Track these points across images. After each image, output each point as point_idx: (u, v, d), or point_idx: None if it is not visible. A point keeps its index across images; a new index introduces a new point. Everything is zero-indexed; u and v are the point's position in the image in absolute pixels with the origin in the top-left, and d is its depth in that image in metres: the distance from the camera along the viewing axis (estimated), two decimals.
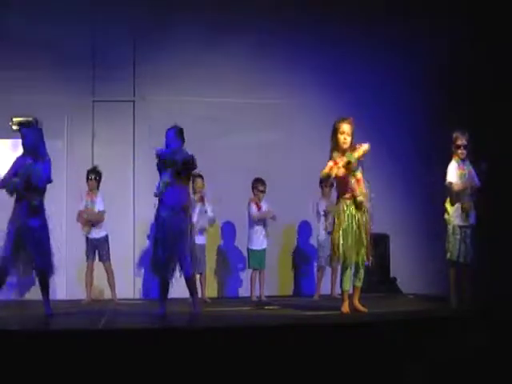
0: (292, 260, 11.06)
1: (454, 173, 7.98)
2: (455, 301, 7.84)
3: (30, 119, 10.29)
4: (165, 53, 10.81)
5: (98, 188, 9.71)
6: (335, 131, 7.52)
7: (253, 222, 9.88)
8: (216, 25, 10.82)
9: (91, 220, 9.58)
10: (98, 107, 10.71)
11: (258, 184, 9.93)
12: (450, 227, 7.96)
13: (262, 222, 9.91)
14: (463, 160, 8.03)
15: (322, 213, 9.79)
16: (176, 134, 7.52)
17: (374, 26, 10.96)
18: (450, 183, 7.94)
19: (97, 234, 9.64)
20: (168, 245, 7.28)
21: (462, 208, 7.91)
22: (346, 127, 7.48)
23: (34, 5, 10.49)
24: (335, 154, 7.49)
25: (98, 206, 9.62)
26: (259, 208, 9.89)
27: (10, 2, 10.44)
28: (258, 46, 10.99)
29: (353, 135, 7.52)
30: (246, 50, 10.97)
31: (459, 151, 8.01)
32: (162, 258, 7.28)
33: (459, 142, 8.01)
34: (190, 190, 8.27)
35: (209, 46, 10.89)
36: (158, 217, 7.44)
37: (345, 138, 7.46)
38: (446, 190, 8.05)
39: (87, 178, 9.69)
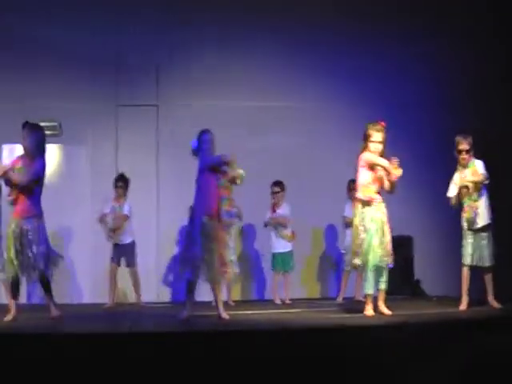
0: (318, 263, 11.06)
1: (453, 187, 7.94)
2: (465, 303, 7.81)
3: (55, 124, 10.42)
4: (187, 57, 10.86)
5: (125, 195, 9.76)
6: (367, 137, 7.48)
7: (270, 226, 9.92)
8: (238, 29, 10.86)
9: (115, 223, 9.62)
10: (121, 112, 10.76)
11: (273, 186, 9.95)
12: (463, 231, 7.94)
13: (279, 227, 9.90)
14: (465, 165, 7.92)
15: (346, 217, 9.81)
16: (209, 138, 7.52)
17: (396, 29, 10.98)
18: (449, 198, 7.93)
19: (124, 240, 9.69)
20: (198, 247, 7.28)
21: (465, 219, 7.88)
22: (379, 136, 7.43)
23: (57, 11, 10.57)
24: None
25: (124, 210, 9.68)
26: (274, 211, 9.89)
27: (34, 9, 10.53)
28: (280, 50, 11.02)
29: (385, 142, 7.47)
30: (268, 54, 10.99)
31: (461, 156, 7.87)
32: (191, 259, 7.29)
33: (461, 147, 7.87)
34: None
35: (230, 50, 10.93)
36: (192, 219, 7.44)
37: (377, 148, 7.44)
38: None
39: (115, 185, 9.74)
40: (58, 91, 10.41)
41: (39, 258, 7.27)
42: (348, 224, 9.52)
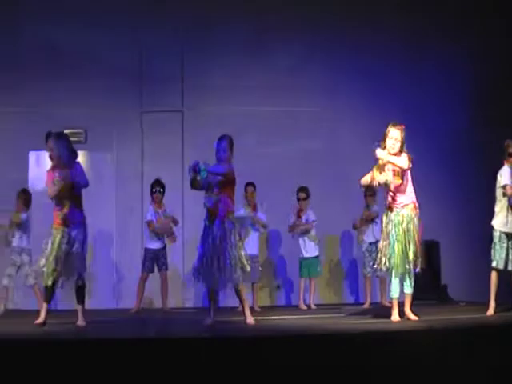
0: (343, 268, 11.04)
1: (508, 176, 7.77)
2: (493, 308, 7.74)
3: (80, 131, 10.48)
4: (212, 63, 10.90)
5: (162, 200, 9.82)
6: (385, 136, 7.42)
7: (293, 233, 9.92)
8: (260, 36, 10.90)
9: (163, 227, 9.70)
10: (146, 118, 10.81)
11: (298, 192, 9.95)
12: (496, 234, 7.81)
13: (305, 233, 9.90)
14: None
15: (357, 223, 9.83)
16: (227, 145, 7.47)
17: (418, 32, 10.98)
18: (505, 185, 7.74)
19: (157, 244, 9.73)
20: (213, 254, 7.27)
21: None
22: (394, 133, 7.36)
23: (82, 21, 10.66)
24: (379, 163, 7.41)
25: (170, 213, 9.78)
26: (299, 217, 9.88)
27: (60, 19, 10.61)
28: (302, 55, 11.04)
29: (403, 142, 7.40)
30: (290, 60, 11.01)
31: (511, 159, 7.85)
32: (208, 267, 7.28)
33: (511, 150, 7.86)
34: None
35: (253, 56, 10.96)
36: (204, 227, 7.43)
37: (393, 144, 7.36)
38: (495, 195, 7.89)
39: (152, 191, 9.78)
40: (83, 99, 10.49)
41: (81, 265, 7.32)
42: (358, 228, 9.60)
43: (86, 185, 7.37)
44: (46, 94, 10.46)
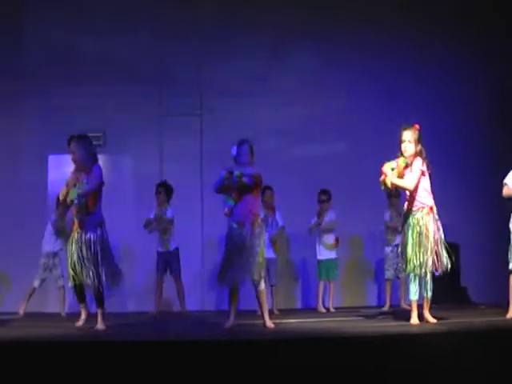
0: (359, 271, 11.02)
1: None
2: None
3: (99, 134, 10.55)
4: (231, 66, 10.92)
5: (168, 202, 9.82)
6: (399, 138, 7.39)
7: (314, 232, 9.93)
8: (279, 38, 10.91)
9: (159, 227, 9.68)
10: (165, 122, 10.84)
11: (320, 194, 9.96)
12: None
13: (325, 232, 9.92)
14: None
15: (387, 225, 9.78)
16: (248, 149, 7.48)
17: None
18: (504, 184, 7.64)
19: (168, 247, 9.75)
20: (242, 256, 7.29)
21: None
22: (406, 135, 7.32)
23: (102, 25, 10.73)
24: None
25: (168, 215, 9.74)
26: (320, 219, 9.90)
27: (80, 24, 10.67)
28: (321, 56, 11.04)
29: (417, 142, 7.32)
30: (309, 61, 11.02)
31: None
32: (229, 269, 7.30)
33: None
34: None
35: (273, 59, 10.98)
36: (231, 229, 7.44)
37: (405, 147, 7.32)
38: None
39: (156, 192, 9.81)
40: (103, 102, 10.55)
41: (101, 269, 7.30)
42: (390, 230, 9.54)
43: (91, 189, 7.29)
44: (67, 98, 10.52)
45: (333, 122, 10.92)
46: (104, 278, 7.31)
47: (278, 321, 7.83)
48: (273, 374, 5.61)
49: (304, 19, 10.94)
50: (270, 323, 7.39)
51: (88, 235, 7.28)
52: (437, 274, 7.41)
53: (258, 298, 7.48)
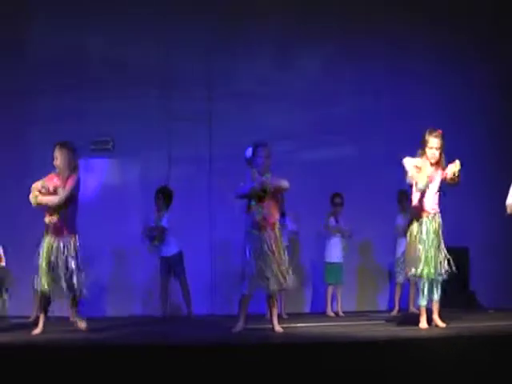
0: (371, 275, 11.01)
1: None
2: None
3: (107, 139, 10.57)
4: (240, 69, 10.94)
5: (167, 207, 9.76)
6: (424, 143, 7.36)
7: (330, 234, 9.93)
8: (288, 42, 10.91)
9: (154, 234, 9.67)
10: (174, 126, 10.84)
11: (335, 197, 9.98)
12: None
13: (340, 235, 9.94)
14: None
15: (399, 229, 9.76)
16: (266, 152, 7.43)
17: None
18: (508, 204, 7.55)
19: (169, 252, 9.73)
20: (265, 261, 7.29)
21: None
22: (434, 142, 7.30)
23: (108, 27, 10.75)
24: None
25: (163, 223, 9.71)
26: (337, 221, 9.95)
27: (86, 26, 10.70)
28: (330, 59, 11.05)
29: (442, 149, 7.35)
30: (319, 65, 11.03)
31: None
32: (250, 275, 7.30)
33: None
34: None
35: (282, 61, 10.99)
36: (250, 236, 7.43)
37: (433, 154, 7.31)
38: None
39: (155, 197, 9.80)
40: (112, 107, 10.56)
41: (72, 276, 7.32)
42: (400, 234, 9.51)
43: (57, 201, 7.31)
44: (75, 103, 10.54)
45: (343, 126, 10.92)
46: (76, 282, 7.34)
47: (286, 325, 7.82)
48: (281, 379, 5.61)
49: (315, 23, 10.93)
50: (278, 327, 7.38)
51: (60, 243, 7.32)
52: (445, 277, 7.39)
53: (268, 301, 7.49)
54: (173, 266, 9.72)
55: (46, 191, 7.39)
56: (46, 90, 10.62)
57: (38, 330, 7.34)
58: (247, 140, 7.66)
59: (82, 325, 7.57)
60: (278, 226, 7.43)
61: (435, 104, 10.86)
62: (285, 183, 7.34)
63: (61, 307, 8.25)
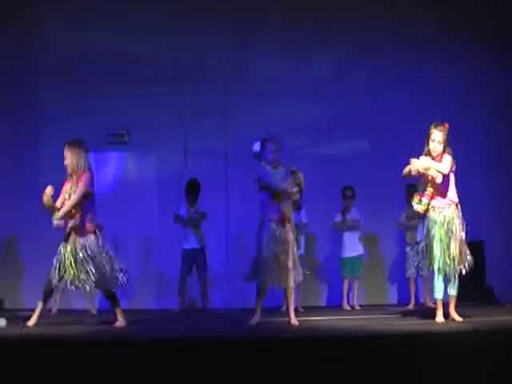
0: (380, 269, 11.00)
1: None
2: None
3: (123, 132, 10.61)
4: (255, 64, 10.95)
5: (196, 200, 9.85)
6: (428, 136, 7.33)
7: (339, 229, 9.93)
8: (300, 38, 10.91)
9: (195, 217, 9.75)
10: (190, 120, 10.85)
11: (345, 190, 9.99)
12: None
13: (351, 229, 9.93)
14: None
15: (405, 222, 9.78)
16: (275, 147, 7.46)
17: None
18: None
19: (192, 244, 9.76)
20: (281, 255, 7.32)
21: None
22: (437, 135, 7.25)
23: (124, 20, 10.79)
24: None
25: (195, 215, 9.76)
26: (347, 214, 9.91)
27: (101, 21, 10.73)
28: (344, 54, 11.04)
29: (445, 143, 7.27)
30: (333, 59, 11.01)
31: None
32: (263, 266, 7.33)
33: None
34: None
35: (297, 56, 10.97)
36: (261, 227, 7.46)
37: (435, 147, 7.26)
38: None
39: (186, 190, 9.84)
40: (128, 101, 10.60)
41: (100, 273, 7.33)
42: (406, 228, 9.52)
43: (75, 202, 7.33)
44: (92, 97, 10.58)
45: (356, 120, 10.90)
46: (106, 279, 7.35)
47: (302, 318, 7.83)
48: (298, 372, 5.61)
49: (325, 19, 10.92)
50: (294, 321, 7.40)
51: (81, 240, 7.33)
52: (461, 271, 7.37)
53: (285, 294, 7.50)
54: (195, 260, 9.75)
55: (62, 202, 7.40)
56: (62, 86, 10.67)
57: (32, 322, 7.31)
58: (262, 134, 7.67)
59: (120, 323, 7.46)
60: (292, 221, 7.50)
61: (449, 99, 10.79)
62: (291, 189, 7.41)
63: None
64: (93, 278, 7.26)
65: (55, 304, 9.53)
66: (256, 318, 7.39)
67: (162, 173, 10.81)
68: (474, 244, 9.71)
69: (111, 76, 10.68)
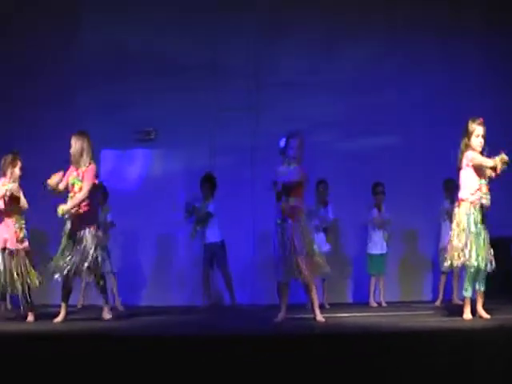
0: (415, 265, 10.94)
1: None
2: None
3: (150, 129, 10.65)
4: (285, 60, 10.94)
5: (212, 194, 9.83)
6: (469, 133, 7.27)
7: (373, 226, 9.89)
8: (331, 33, 10.89)
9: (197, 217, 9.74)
10: (218, 116, 10.86)
11: (376, 187, 9.92)
12: None
13: (382, 226, 9.90)
14: None
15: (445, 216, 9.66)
16: (298, 143, 7.46)
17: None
18: None
19: (211, 238, 9.76)
20: (291, 251, 7.32)
21: None
22: (480, 130, 7.23)
23: (156, 20, 10.88)
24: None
25: (209, 209, 9.76)
26: (379, 211, 9.89)
27: (136, 23, 10.78)
28: (375, 50, 11.00)
29: (485, 137, 7.26)
30: (361, 55, 10.97)
31: None
32: (279, 262, 7.33)
33: None
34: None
35: (327, 52, 10.96)
36: (276, 225, 7.47)
37: (481, 142, 7.23)
38: None
39: (201, 185, 9.84)
40: (156, 98, 10.65)
41: (95, 263, 7.49)
42: (444, 218, 9.42)
43: (80, 200, 7.51)
44: (120, 94, 10.65)
45: (385, 116, 10.84)
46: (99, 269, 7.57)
47: (328, 315, 7.81)
48: (324, 369, 5.61)
49: (357, 14, 10.89)
50: (320, 317, 7.39)
51: (81, 232, 7.48)
52: (490, 268, 7.32)
53: (307, 291, 7.49)
54: (215, 254, 9.75)
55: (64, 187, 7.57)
56: (91, 82, 10.74)
57: (59, 318, 7.52)
58: (292, 129, 7.64)
59: (106, 314, 7.71)
60: (302, 217, 7.44)
61: (481, 90, 10.71)
62: (295, 178, 7.37)
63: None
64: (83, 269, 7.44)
65: (79, 301, 9.64)
66: (281, 315, 7.40)
67: (188, 170, 10.82)
68: (501, 240, 9.67)
69: (141, 72, 10.76)
